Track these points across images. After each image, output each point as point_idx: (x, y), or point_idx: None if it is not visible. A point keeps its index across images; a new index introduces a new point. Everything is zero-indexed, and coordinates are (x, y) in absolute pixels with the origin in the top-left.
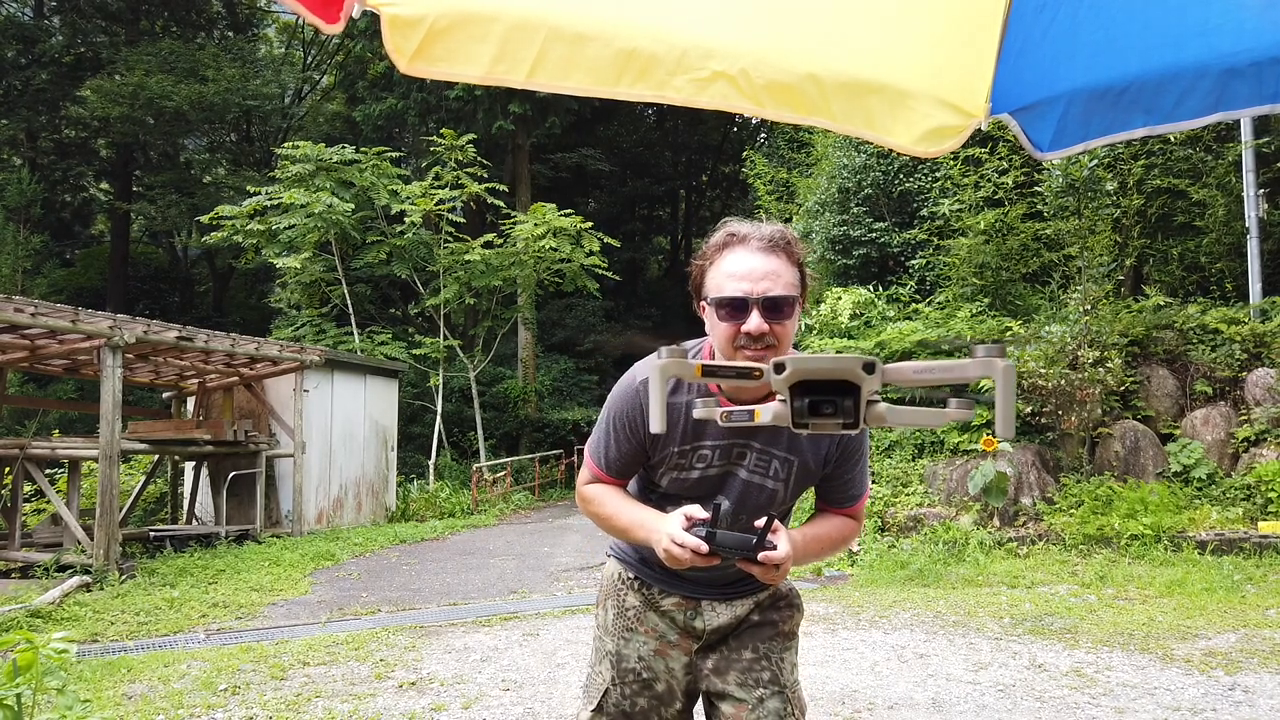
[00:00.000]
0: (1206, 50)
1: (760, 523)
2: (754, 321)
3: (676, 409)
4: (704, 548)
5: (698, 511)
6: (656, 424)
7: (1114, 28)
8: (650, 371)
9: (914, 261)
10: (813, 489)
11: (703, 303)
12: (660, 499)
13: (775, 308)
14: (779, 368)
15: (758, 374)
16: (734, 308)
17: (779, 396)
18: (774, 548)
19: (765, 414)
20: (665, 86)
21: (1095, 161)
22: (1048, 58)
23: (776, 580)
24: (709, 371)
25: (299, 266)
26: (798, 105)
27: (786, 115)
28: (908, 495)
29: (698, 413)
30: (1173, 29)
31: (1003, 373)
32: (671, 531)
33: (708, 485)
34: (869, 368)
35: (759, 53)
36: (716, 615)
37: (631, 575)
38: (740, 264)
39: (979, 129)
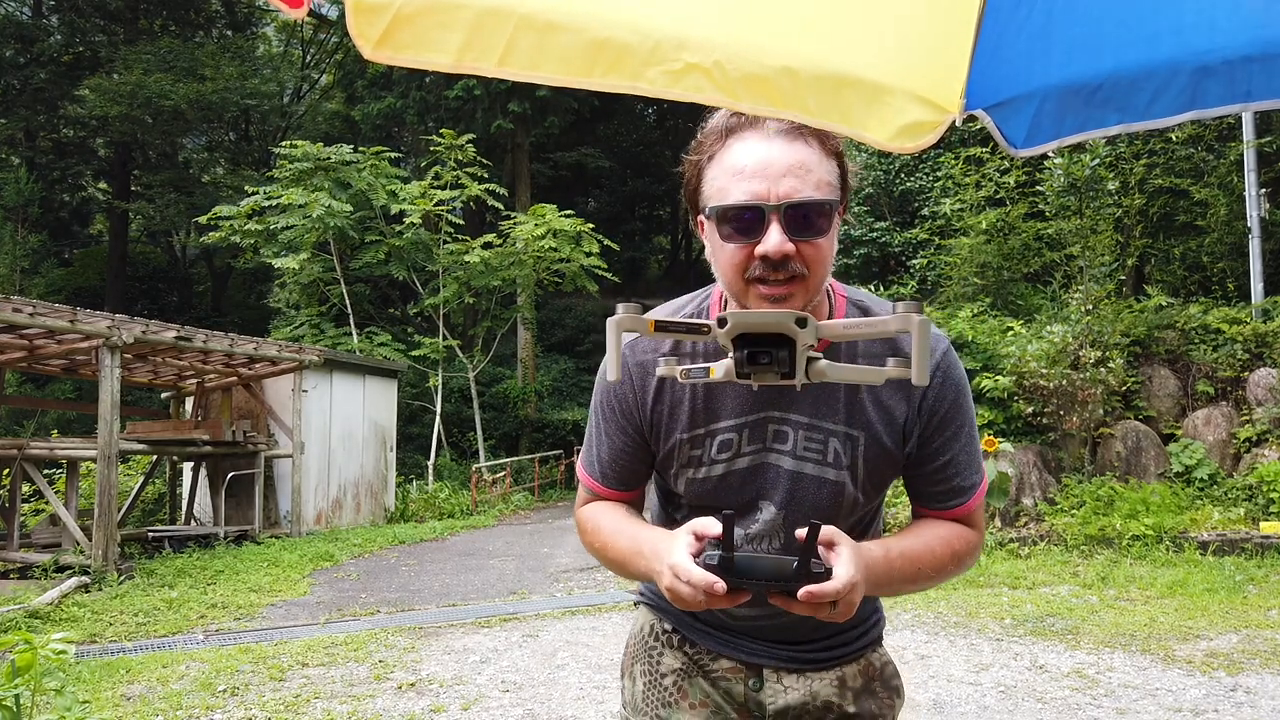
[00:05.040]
0: (1180, 48)
1: (801, 533)
2: (773, 240)
3: (678, 383)
4: (719, 585)
5: (714, 526)
6: (613, 372)
7: (1089, 24)
8: (608, 326)
9: (915, 261)
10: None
11: (700, 217)
12: (687, 515)
13: (804, 219)
14: (722, 322)
15: (705, 329)
16: (743, 221)
17: (730, 352)
18: (825, 574)
19: (719, 369)
20: (638, 78)
21: (1097, 161)
22: (1022, 54)
23: (839, 619)
24: (661, 327)
25: (297, 267)
26: (773, 98)
27: (762, 108)
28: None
29: (660, 370)
30: (1147, 27)
31: (918, 326)
32: (675, 562)
33: (740, 484)
34: (801, 322)
35: (733, 44)
36: (784, 691)
37: (669, 628)
38: (751, 154)
39: (954, 125)
